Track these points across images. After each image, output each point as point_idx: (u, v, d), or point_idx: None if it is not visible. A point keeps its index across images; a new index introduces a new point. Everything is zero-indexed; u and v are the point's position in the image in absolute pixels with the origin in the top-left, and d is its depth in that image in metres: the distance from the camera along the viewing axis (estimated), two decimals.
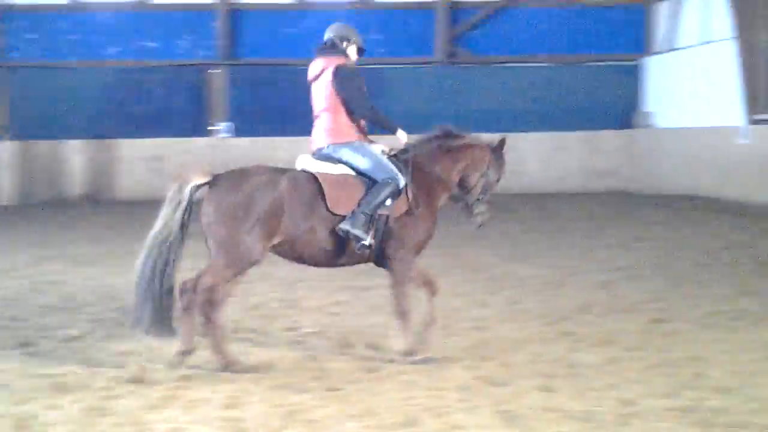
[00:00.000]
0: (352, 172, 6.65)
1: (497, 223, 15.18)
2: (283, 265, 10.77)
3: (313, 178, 6.52)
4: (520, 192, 21.77)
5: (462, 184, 7.02)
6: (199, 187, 6.30)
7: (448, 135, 7.20)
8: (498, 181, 7.17)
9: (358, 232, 6.30)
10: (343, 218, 6.34)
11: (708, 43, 20.23)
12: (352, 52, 7.15)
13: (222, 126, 22.76)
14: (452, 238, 13.36)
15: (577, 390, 5.65)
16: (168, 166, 22.13)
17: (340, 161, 6.72)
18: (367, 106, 7.02)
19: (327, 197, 6.40)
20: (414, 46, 23.28)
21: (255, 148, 22.25)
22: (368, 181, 6.58)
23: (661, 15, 22.70)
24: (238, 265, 6.26)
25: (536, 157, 22.58)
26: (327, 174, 6.57)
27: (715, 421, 4.99)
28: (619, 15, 23.15)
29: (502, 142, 7.38)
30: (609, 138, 22.82)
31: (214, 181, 6.37)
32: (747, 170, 18.04)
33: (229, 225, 6.19)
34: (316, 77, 6.96)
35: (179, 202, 6.24)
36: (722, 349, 6.56)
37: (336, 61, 6.87)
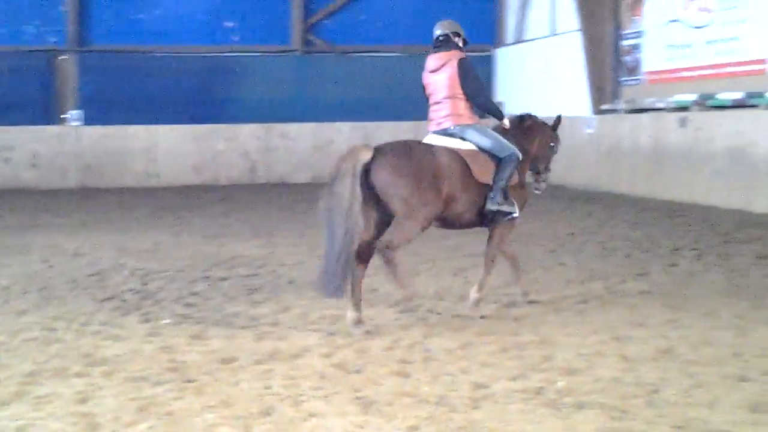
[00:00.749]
0: (477, 149, 7.49)
1: None
2: (138, 256, 10.66)
3: (455, 151, 7.35)
4: None
5: (535, 157, 8.21)
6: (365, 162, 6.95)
7: (523, 118, 8.29)
8: (557, 152, 8.56)
9: (506, 207, 7.41)
10: (483, 186, 7.33)
11: (555, 35, 20.87)
12: (461, 44, 7.96)
13: (72, 114, 22.10)
14: (313, 227, 13.42)
15: (431, 375, 5.77)
16: (18, 155, 21.37)
17: (465, 139, 7.54)
18: (486, 95, 8.00)
19: (471, 168, 7.29)
20: (270, 35, 23.15)
21: (107, 136, 21.78)
22: (491, 156, 7.47)
23: (511, 7, 23.28)
24: (425, 220, 7.11)
25: None
26: (462, 149, 7.42)
27: (563, 401, 5.17)
28: (471, 6, 23.58)
29: (558, 120, 8.66)
30: None
31: (379, 152, 7.05)
32: (593, 159, 18.72)
33: (412, 184, 6.97)
34: (438, 69, 7.80)
35: (354, 176, 6.83)
36: (569, 332, 6.80)
37: (457, 54, 7.71)
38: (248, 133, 21.99)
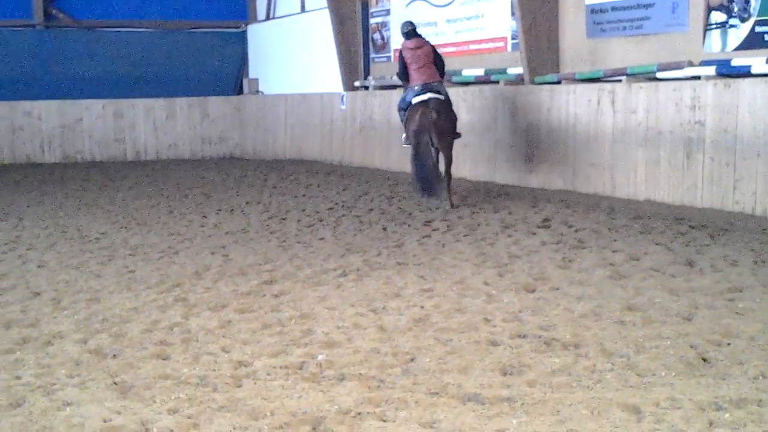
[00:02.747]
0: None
1: (108, 192, 14.89)
2: None
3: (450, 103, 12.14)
4: (133, 159, 21.47)
5: None
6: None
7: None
8: None
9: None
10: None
11: (305, 12, 21.01)
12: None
13: None
14: (65, 208, 12.91)
15: (192, 355, 5.71)
16: None
17: (440, 93, 11.86)
18: (444, 67, 12.48)
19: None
20: (9, 8, 21.86)
21: None
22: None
23: None
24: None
25: (148, 124, 22.26)
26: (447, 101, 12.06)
27: (324, 374, 5.26)
28: None
29: None
30: (218, 104, 23.02)
31: (438, 114, 11.63)
32: (347, 135, 19.05)
33: (453, 131, 11.99)
34: (418, 48, 12.11)
35: (430, 130, 11.54)
36: (329, 305, 6.92)
37: (426, 41, 12.39)
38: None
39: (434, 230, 10.18)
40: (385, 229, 10.47)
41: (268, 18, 22.72)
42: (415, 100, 11.71)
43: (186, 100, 22.67)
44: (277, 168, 18.44)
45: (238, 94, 23.23)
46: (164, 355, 5.74)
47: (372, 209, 11.94)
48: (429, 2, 17.13)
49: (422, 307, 6.77)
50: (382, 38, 18.74)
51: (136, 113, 22.11)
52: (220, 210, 12.52)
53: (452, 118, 11.88)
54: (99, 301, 7.28)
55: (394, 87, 17.59)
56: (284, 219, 11.51)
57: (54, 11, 22.07)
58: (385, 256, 8.84)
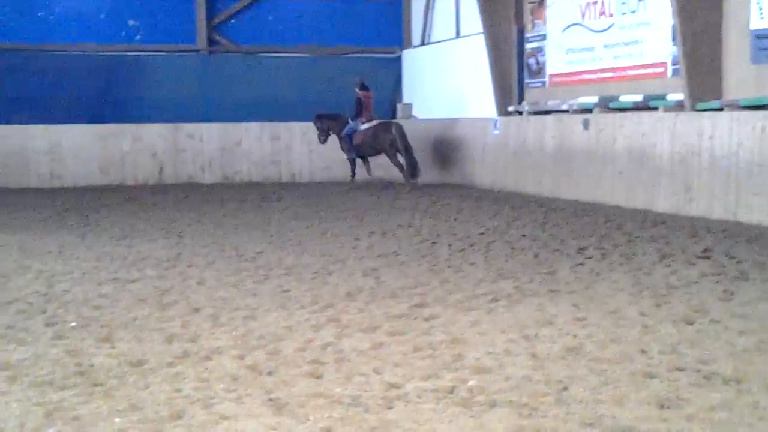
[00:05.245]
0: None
1: (264, 212, 15.28)
2: (43, 258, 10.42)
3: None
4: (288, 181, 21.98)
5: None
6: None
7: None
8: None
9: None
10: None
11: (460, 37, 21.10)
12: None
13: None
14: (223, 227, 13.32)
15: (344, 375, 5.77)
16: None
17: None
18: None
19: None
20: (174, 34, 22.83)
21: (8, 137, 21.21)
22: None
23: (417, 10, 23.46)
24: None
25: (303, 147, 22.77)
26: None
27: (475, 400, 5.22)
28: (379, 8, 23.72)
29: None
30: None
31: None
32: (499, 160, 18.98)
33: None
34: (368, 97, 19.14)
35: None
36: (479, 331, 6.87)
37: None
38: (155, 133, 21.65)
39: (588, 258, 10.01)
40: (537, 255, 10.36)
41: (422, 44, 22.93)
42: (364, 126, 19.32)
43: None
44: (428, 192, 18.53)
45: (392, 118, 23.48)
46: (317, 374, 5.82)
47: (524, 235, 11.84)
48: (587, 27, 16.95)
49: (575, 336, 6.65)
50: (538, 63, 18.64)
51: (292, 136, 22.66)
52: (372, 232, 12.66)
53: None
54: (255, 318, 7.45)
55: (548, 113, 17.46)
56: (435, 243, 11.54)
57: (217, 37, 22.94)
58: (537, 283, 8.73)
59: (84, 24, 22.35)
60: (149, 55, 22.60)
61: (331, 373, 5.85)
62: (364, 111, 19.45)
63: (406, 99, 23.47)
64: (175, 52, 22.81)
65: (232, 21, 23.20)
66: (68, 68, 22.01)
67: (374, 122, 19.33)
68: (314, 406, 5.18)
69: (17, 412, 5.09)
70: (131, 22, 22.69)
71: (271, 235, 12.50)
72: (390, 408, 5.13)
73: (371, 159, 20.03)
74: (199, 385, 5.58)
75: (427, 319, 7.34)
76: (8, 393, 5.43)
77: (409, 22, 23.77)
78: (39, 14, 22.11)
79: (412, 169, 19.04)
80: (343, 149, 20.00)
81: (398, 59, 23.74)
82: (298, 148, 22.74)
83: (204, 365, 6.05)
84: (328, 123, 20.13)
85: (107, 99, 21.88)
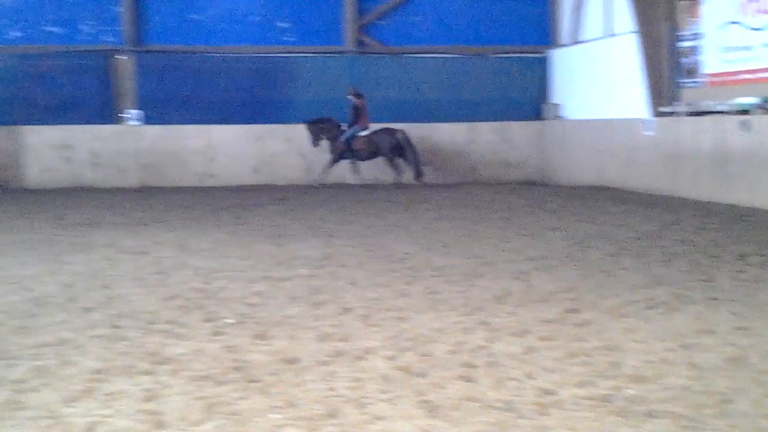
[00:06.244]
0: None
1: (412, 213, 15.34)
2: (200, 255, 10.75)
3: None
4: (436, 181, 22.02)
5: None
6: None
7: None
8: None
9: None
10: None
11: (611, 36, 20.65)
12: None
13: (131, 113, 22.37)
14: (372, 228, 13.44)
15: (496, 380, 5.71)
16: (77, 154, 21.71)
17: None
18: None
19: None
20: (323, 35, 23.19)
21: (165, 136, 22.03)
22: None
23: (566, 8, 23.09)
24: None
25: (449, 148, 22.78)
26: None
27: (632, 409, 5.09)
28: (526, 7, 23.46)
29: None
30: (519, 129, 23.13)
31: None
32: (652, 162, 18.49)
33: None
34: (364, 105, 20.64)
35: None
36: (636, 338, 6.70)
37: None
38: (304, 134, 22.05)
39: (749, 265, 9.63)
40: (694, 261, 10.03)
41: (571, 43, 22.57)
42: (364, 132, 20.90)
43: (487, 125, 22.99)
44: (578, 194, 18.24)
45: (539, 119, 23.22)
46: (469, 378, 5.78)
47: (680, 240, 11.50)
48: (744, 25, 16.31)
49: (737, 346, 6.40)
50: (692, 63, 18.06)
51: (439, 137, 22.70)
52: (521, 234, 12.53)
53: None
54: (406, 320, 7.47)
55: (704, 113, 16.92)
56: (587, 246, 11.33)
57: (365, 38, 23.17)
58: (694, 290, 8.45)
59: (236, 26, 22.96)
60: (299, 57, 23.02)
61: (482, 376, 5.80)
62: (361, 118, 20.94)
63: (553, 99, 23.16)
64: (323, 53, 23.17)
65: (380, 22, 23.38)
66: (221, 69, 22.65)
67: (374, 128, 20.98)
68: (467, 409, 5.15)
69: (179, 405, 5.25)
70: (281, 24, 23.17)
71: (420, 237, 12.53)
72: (544, 414, 5.06)
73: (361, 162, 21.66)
74: (353, 385, 5.63)
75: (580, 325, 7.20)
76: (170, 386, 5.61)
77: (557, 20, 23.43)
78: (193, 17, 22.84)
79: (417, 171, 20.95)
80: (332, 152, 21.30)
81: (545, 59, 23.44)
82: (445, 149, 22.75)
83: (356, 365, 6.10)
84: (319, 128, 21.34)
85: (259, 100, 22.41)
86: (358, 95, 21.09)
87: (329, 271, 9.85)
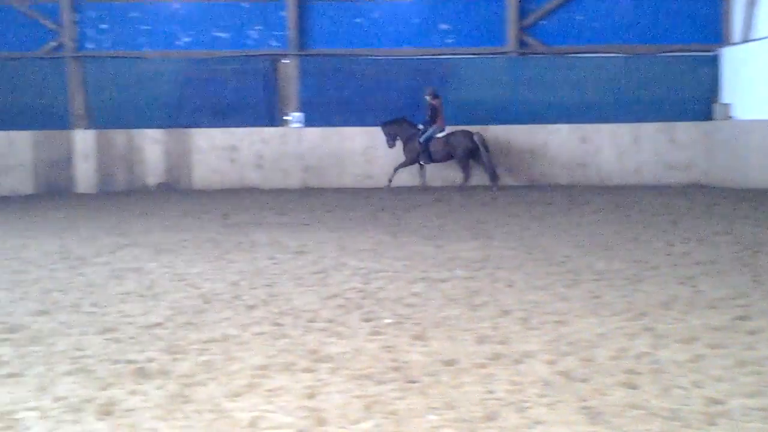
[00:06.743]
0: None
1: (572, 216, 15.08)
2: (359, 256, 10.87)
3: None
4: (596, 184, 21.58)
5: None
6: None
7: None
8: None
9: None
10: None
11: None
12: None
13: (294, 116, 22.88)
14: (530, 230, 13.27)
15: (662, 387, 5.53)
16: (242, 156, 22.37)
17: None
18: None
19: None
20: (484, 36, 23.08)
21: (326, 138, 22.40)
22: None
23: (738, 5, 22.19)
24: None
25: (612, 149, 22.29)
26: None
27: None
28: (695, 4, 22.68)
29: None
30: (686, 130, 22.39)
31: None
32: None
33: None
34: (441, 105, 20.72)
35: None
36: None
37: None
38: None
39: None
40: None
41: (744, 40, 21.69)
42: (441, 134, 20.78)
43: (652, 126, 22.35)
44: (748, 197, 17.52)
45: (708, 119, 22.40)
46: (633, 385, 5.62)
47: None
48: None
49: None
50: None
51: (601, 138, 22.25)
52: (686, 238, 12.12)
53: None
54: (566, 323, 7.33)
55: None
56: (757, 252, 10.85)
57: (527, 38, 22.92)
58: None
59: (397, 29, 23.13)
60: (459, 58, 22.99)
61: (647, 383, 5.63)
62: (438, 118, 20.73)
63: (725, 99, 22.29)
64: (484, 54, 23.06)
65: (543, 22, 23.07)
66: (382, 72, 22.87)
67: (450, 130, 20.80)
68: (630, 417, 5.01)
69: (339, 403, 5.31)
70: (442, 26, 23.20)
71: (580, 239, 12.29)
72: (712, 424, 4.87)
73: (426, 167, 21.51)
74: (512, 388, 5.56)
75: (750, 333, 6.89)
76: (330, 384, 5.68)
77: (728, 17, 22.55)
78: (355, 21, 23.15)
79: (492, 175, 20.61)
80: (408, 153, 21.10)
81: (715, 57, 22.59)
82: (608, 151, 22.28)
83: (515, 368, 6.02)
84: (394, 129, 21.15)
85: (418, 102, 22.50)
86: (435, 95, 20.88)
87: (487, 272, 9.78)
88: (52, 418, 5.13)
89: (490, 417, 5.05)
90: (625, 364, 6.07)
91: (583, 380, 5.72)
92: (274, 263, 10.54)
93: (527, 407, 5.21)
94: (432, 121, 20.86)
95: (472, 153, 20.71)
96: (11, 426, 5.01)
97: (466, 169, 20.82)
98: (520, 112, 22.56)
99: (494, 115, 22.39)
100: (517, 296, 8.48)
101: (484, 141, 20.65)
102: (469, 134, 20.64)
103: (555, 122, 22.31)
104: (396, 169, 21.22)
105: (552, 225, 14.00)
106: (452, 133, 20.76)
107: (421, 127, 21.05)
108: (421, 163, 21.15)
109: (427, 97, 20.98)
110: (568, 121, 22.31)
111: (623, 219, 14.63)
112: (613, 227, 13.55)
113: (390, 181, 21.23)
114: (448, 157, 20.94)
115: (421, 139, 20.84)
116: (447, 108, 21.58)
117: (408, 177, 21.79)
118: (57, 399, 5.45)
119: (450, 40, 23.20)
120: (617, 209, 16.16)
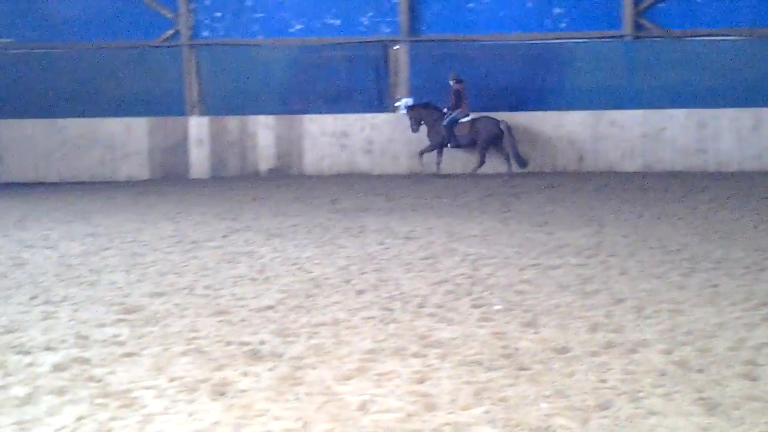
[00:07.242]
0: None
1: (689, 202, 14.68)
2: (468, 242, 10.81)
3: None
4: (714, 170, 20.99)
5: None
6: None
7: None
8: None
9: None
10: None
11: None
12: None
13: (404, 102, 22.86)
14: (645, 217, 12.98)
15: None
16: (352, 141, 22.48)
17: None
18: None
19: None
20: (599, 20, 22.60)
21: None
22: None
23: None
24: None
25: (731, 135, 21.59)
26: None
27: None
28: None
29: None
30: None
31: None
32: None
33: None
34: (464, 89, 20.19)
35: None
36: None
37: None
38: (576, 121, 21.58)
39: None
40: None
41: None
42: (466, 119, 20.48)
43: None
44: None
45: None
46: (752, 376, 5.44)
47: None
48: None
49: None
50: None
51: (719, 123, 21.55)
52: None
53: None
54: (682, 312, 7.14)
55: None
56: None
57: (643, 22, 22.37)
58: None
59: (510, 13, 22.84)
60: (573, 42, 22.58)
61: (767, 375, 5.43)
62: (463, 103, 20.49)
63: None
64: (599, 38, 22.58)
65: (660, 5, 22.44)
66: (493, 57, 22.62)
67: (475, 115, 20.53)
68: (750, 409, 4.85)
69: (449, 388, 5.29)
70: (557, 10, 22.82)
71: (697, 227, 11.95)
72: None
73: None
74: (625, 378, 5.45)
75: None
76: (440, 369, 5.66)
77: None
78: (468, 6, 22.95)
79: (519, 161, 20.27)
80: (433, 138, 20.84)
81: None
82: (727, 137, 21.59)
83: (629, 357, 5.90)
84: (420, 112, 20.91)
85: (529, 86, 22.20)
86: (459, 80, 20.57)
87: (600, 260, 9.60)
88: (168, 397, 5.25)
89: (604, 406, 4.96)
90: (744, 355, 5.88)
91: (700, 371, 5.56)
92: (383, 248, 10.56)
93: (642, 397, 5.09)
94: (456, 105, 20.62)
95: (496, 139, 20.43)
96: (129, 404, 5.14)
97: (483, 155, 20.55)
98: (635, 98, 22.04)
99: (608, 100, 21.91)
100: (631, 284, 8.30)
101: (510, 128, 20.39)
102: (496, 121, 20.41)
103: (671, 107, 21.71)
104: (421, 154, 21.13)
105: (667, 212, 13.66)
106: (478, 118, 20.52)
107: (446, 111, 20.79)
108: (448, 145, 20.92)
109: (451, 82, 20.74)
110: (686, 106, 21.69)
111: (743, 206, 14.17)
112: (731, 214, 13.14)
113: (422, 165, 21.21)
114: (473, 142, 20.67)
115: (445, 123, 20.66)
116: (558, 93, 21.25)
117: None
118: (172, 379, 5.57)
119: (563, 24, 22.79)
120: (736, 196, 15.66)
